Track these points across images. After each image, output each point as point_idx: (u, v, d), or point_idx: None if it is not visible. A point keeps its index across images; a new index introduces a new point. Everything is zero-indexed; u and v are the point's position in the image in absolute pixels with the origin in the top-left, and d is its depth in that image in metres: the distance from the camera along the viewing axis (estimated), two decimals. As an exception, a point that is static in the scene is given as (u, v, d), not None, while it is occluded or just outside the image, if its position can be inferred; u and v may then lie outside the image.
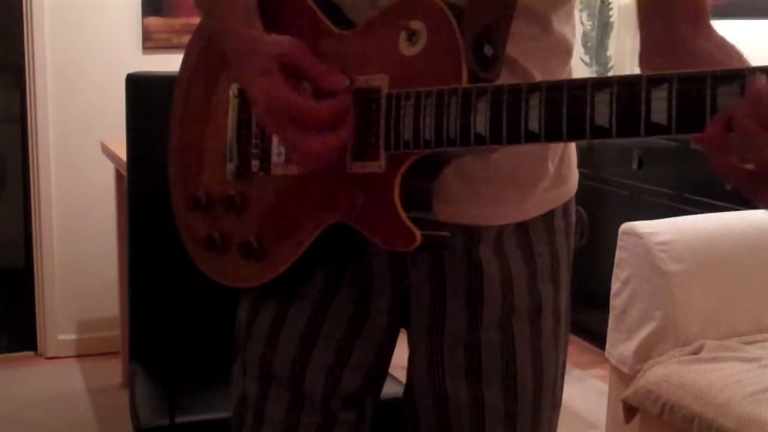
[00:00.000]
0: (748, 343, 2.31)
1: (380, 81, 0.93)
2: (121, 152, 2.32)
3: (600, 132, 0.79)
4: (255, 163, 1.06)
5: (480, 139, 0.86)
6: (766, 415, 1.93)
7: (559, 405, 1.16)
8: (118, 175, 3.15)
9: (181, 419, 1.73)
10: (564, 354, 1.16)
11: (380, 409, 1.18)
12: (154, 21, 3.54)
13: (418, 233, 0.92)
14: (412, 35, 0.92)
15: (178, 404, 1.77)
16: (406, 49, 0.92)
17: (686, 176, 3.18)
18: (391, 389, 1.24)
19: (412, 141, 0.90)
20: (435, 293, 1.09)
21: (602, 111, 0.78)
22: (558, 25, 1.06)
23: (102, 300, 3.60)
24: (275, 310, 1.11)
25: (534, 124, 0.82)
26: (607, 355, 2.48)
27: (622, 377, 2.40)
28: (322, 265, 1.08)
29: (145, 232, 1.98)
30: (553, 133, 0.81)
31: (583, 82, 0.80)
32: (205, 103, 1.14)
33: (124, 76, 1.97)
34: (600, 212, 3.60)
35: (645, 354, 2.31)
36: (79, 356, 3.63)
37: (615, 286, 2.45)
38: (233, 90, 1.08)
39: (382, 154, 0.93)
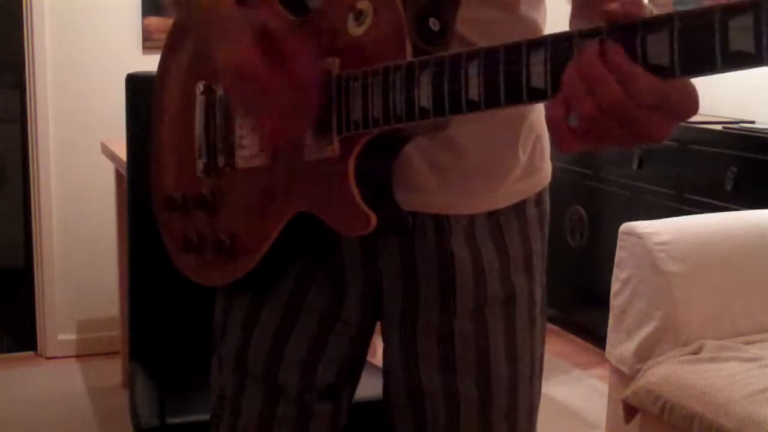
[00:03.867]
0: (748, 343, 2.31)
1: (331, 65, 0.93)
2: (121, 152, 2.32)
3: (536, 94, 0.76)
4: (221, 159, 1.07)
5: (424, 113, 0.84)
6: (766, 415, 1.93)
7: (538, 397, 1.16)
8: (118, 175, 3.15)
9: (181, 419, 1.73)
10: (541, 346, 1.15)
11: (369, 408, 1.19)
12: (154, 21, 3.54)
13: (373, 216, 0.92)
14: (359, 15, 0.91)
15: (178, 404, 1.77)
16: (354, 30, 0.92)
17: (686, 176, 3.18)
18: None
19: (362, 121, 0.90)
20: (407, 285, 1.09)
21: (538, 71, 0.75)
22: (526, 10, 1.04)
23: (102, 300, 3.60)
24: (249, 306, 1.12)
25: (473, 93, 0.80)
26: (607, 355, 2.48)
27: (622, 377, 2.40)
28: (294, 259, 1.09)
29: (145, 232, 1.98)
30: (491, 100, 0.79)
31: (518, 44, 0.77)
32: (175, 105, 1.15)
33: (124, 76, 1.97)
34: (600, 212, 3.60)
35: (645, 354, 2.31)
36: (79, 356, 3.63)
37: (615, 286, 2.45)
38: (199, 87, 1.09)
39: (335, 138, 0.93)
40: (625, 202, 3.46)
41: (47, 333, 3.64)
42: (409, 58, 0.87)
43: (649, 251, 2.32)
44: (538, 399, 1.16)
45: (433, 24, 0.90)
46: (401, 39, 0.88)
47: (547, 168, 1.15)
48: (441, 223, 1.06)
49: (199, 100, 1.10)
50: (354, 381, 1.17)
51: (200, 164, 1.10)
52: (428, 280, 1.08)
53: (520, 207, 1.11)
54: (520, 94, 0.77)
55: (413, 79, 0.85)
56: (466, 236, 1.07)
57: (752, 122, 3.20)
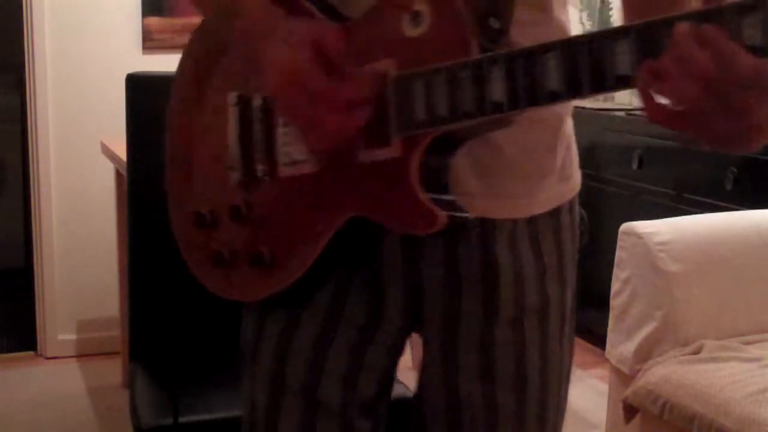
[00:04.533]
0: (748, 343, 2.31)
1: (387, 66, 0.93)
2: (121, 152, 2.32)
3: (623, 82, 0.78)
4: (260, 168, 1.05)
5: (497, 107, 0.85)
6: (766, 415, 1.93)
7: (565, 407, 1.15)
8: (118, 175, 3.15)
9: (181, 419, 1.73)
10: (570, 355, 1.15)
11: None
12: (154, 21, 3.54)
13: (442, 213, 0.92)
14: (416, 16, 0.91)
15: (178, 404, 1.77)
16: (411, 31, 0.92)
17: (686, 176, 3.18)
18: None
19: (427, 120, 0.90)
20: (449, 291, 1.07)
21: (625, 59, 0.77)
22: (557, 11, 1.06)
23: (102, 300, 3.60)
24: (285, 320, 1.08)
25: (554, 84, 0.81)
26: (607, 355, 2.48)
27: (622, 377, 2.40)
28: (333, 270, 1.06)
29: (145, 232, 1.98)
30: (574, 90, 0.81)
31: (602, 33, 0.79)
32: (198, 116, 1.12)
33: (124, 76, 1.97)
34: (600, 212, 3.60)
35: (645, 354, 2.31)
36: (79, 356, 3.63)
37: (615, 286, 2.45)
38: (231, 97, 1.07)
39: (395, 139, 0.93)
40: (625, 202, 3.46)
41: (47, 333, 3.64)
42: (475, 56, 0.87)
43: (649, 251, 2.32)
44: (565, 408, 1.15)
45: (493, 23, 0.92)
46: (465, 38, 0.89)
47: (577, 176, 1.15)
48: (486, 227, 1.05)
49: (232, 110, 1.07)
50: (389, 397, 1.14)
51: (235, 176, 1.07)
52: (471, 287, 1.06)
53: (555, 213, 1.11)
54: (605, 82, 0.79)
55: (483, 75, 0.85)
56: (509, 242, 1.06)
57: (752, 122, 3.20)
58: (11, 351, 3.68)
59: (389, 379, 1.12)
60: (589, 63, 0.79)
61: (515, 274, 1.07)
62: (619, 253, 2.43)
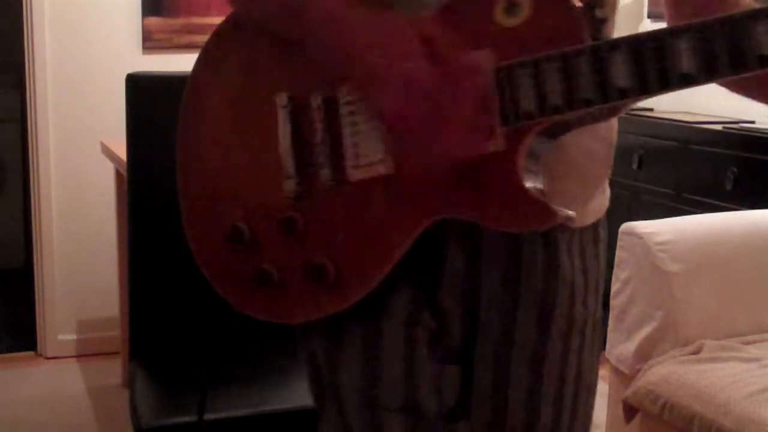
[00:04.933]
0: (748, 343, 2.31)
1: (482, 57, 0.88)
2: (121, 152, 2.32)
3: (765, 61, 0.78)
4: (325, 173, 0.97)
5: (622, 93, 0.83)
6: (766, 415, 1.93)
7: (590, 422, 1.13)
8: (118, 175, 3.15)
9: (181, 419, 1.73)
10: (597, 367, 1.12)
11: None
12: (154, 21, 3.54)
13: (560, 210, 0.88)
14: (512, 6, 0.88)
15: (178, 404, 1.77)
16: (507, 21, 0.88)
17: (686, 176, 3.18)
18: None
19: (537, 110, 0.86)
20: (508, 302, 1.02)
21: (764, 41, 0.77)
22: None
23: (102, 300, 3.60)
24: (363, 338, 1.00)
25: (687, 66, 0.80)
26: (607, 355, 2.48)
27: (622, 377, 2.40)
28: (405, 278, 0.98)
29: (145, 232, 1.98)
30: (709, 71, 0.80)
31: (741, 15, 0.79)
32: (235, 122, 1.03)
33: (124, 76, 1.97)
34: (600, 212, 3.60)
35: (645, 354, 2.31)
36: (79, 356, 3.63)
37: (615, 286, 2.45)
38: (281, 98, 0.99)
39: (499, 131, 0.88)
40: (625, 202, 3.46)
41: (47, 333, 3.64)
42: (589, 43, 0.85)
43: (649, 251, 2.32)
44: (590, 422, 1.14)
45: (599, 13, 0.91)
46: (575, 26, 0.86)
47: (608, 190, 1.12)
48: (550, 234, 1.01)
49: (282, 113, 0.99)
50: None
51: (290, 184, 0.99)
52: (529, 298, 1.02)
53: (596, 225, 1.08)
54: (745, 62, 0.78)
55: (603, 60, 0.83)
56: (568, 251, 1.03)
57: (752, 122, 3.20)
58: (11, 351, 3.68)
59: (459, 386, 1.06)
60: (726, 44, 0.78)
61: (571, 286, 1.04)
62: (619, 253, 2.43)
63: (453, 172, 0.90)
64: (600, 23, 0.91)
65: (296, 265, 0.99)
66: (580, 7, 0.88)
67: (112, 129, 3.12)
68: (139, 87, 1.95)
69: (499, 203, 0.89)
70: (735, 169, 2.93)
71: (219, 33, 1.06)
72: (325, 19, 0.93)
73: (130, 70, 1.99)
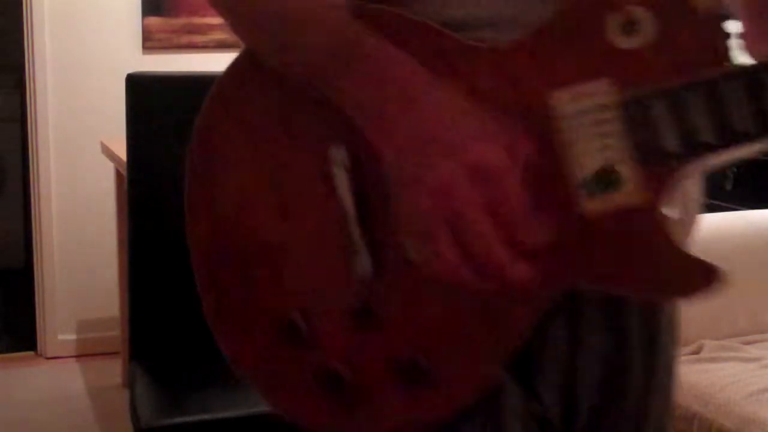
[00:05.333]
0: (748, 343, 2.31)
1: (598, 89, 0.73)
2: (121, 152, 2.32)
3: None
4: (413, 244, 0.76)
5: None
6: (766, 415, 1.93)
7: None
8: (118, 175, 3.15)
9: (181, 419, 1.74)
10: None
11: None
12: (154, 21, 3.54)
13: (719, 267, 0.74)
14: (629, 24, 0.74)
15: (178, 404, 1.77)
16: (624, 42, 0.74)
17: (686, 176, 3.18)
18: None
19: (683, 149, 0.72)
20: (614, 366, 0.88)
21: None
22: None
23: (102, 300, 3.60)
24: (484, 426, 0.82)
25: None
26: (607, 355, 2.48)
27: (622, 377, 2.40)
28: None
29: (145, 232, 1.98)
30: None
31: None
32: (274, 185, 0.82)
33: (124, 76, 1.97)
34: (600, 212, 3.60)
35: (645, 354, 2.31)
36: (79, 356, 3.63)
37: (615, 286, 2.44)
38: (337, 152, 0.78)
39: (634, 178, 0.73)
40: (625, 202, 3.45)
41: (47, 333, 3.64)
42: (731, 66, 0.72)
43: (649, 251, 2.32)
44: None
45: (729, 26, 0.75)
46: (720, 42, 0.72)
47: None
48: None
49: (339, 170, 0.78)
50: None
51: (363, 262, 0.77)
52: (632, 360, 0.88)
53: None
54: None
55: (764, 87, 0.70)
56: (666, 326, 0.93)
57: (752, 122, 3.21)
58: (11, 351, 3.68)
59: None
60: None
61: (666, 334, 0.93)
62: (619, 253, 2.43)
63: (579, 234, 0.75)
64: (728, 38, 0.77)
65: (372, 363, 0.79)
66: (715, 21, 0.74)
67: (112, 129, 3.12)
68: (139, 87, 1.95)
69: (644, 271, 0.76)
70: (735, 169, 2.94)
71: (234, 73, 0.83)
72: (403, 97, 0.73)
73: (130, 70, 1.99)
